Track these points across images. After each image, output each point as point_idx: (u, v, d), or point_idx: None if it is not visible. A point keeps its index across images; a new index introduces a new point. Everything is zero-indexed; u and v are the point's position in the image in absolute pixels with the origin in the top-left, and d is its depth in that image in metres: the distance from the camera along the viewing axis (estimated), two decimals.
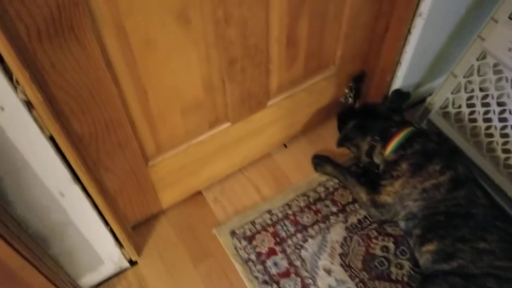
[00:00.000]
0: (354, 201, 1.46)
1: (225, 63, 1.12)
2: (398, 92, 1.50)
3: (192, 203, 1.48)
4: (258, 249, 1.37)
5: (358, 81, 1.49)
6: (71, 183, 0.98)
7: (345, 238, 1.40)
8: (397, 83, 1.47)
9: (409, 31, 1.28)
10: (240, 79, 1.19)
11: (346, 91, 1.52)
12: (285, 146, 1.59)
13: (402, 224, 1.36)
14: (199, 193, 1.50)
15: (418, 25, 1.27)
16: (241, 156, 1.48)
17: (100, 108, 0.99)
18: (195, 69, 1.09)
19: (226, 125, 1.32)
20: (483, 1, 1.36)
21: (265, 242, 1.39)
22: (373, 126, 1.41)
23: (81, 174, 0.97)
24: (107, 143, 1.09)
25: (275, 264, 1.35)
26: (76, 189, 1.00)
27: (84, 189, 1.02)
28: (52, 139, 0.88)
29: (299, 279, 1.33)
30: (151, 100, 1.08)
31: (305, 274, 1.33)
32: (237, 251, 1.37)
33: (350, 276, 1.33)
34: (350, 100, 1.53)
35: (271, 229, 1.41)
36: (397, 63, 1.38)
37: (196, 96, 1.16)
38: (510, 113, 1.35)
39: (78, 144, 1.00)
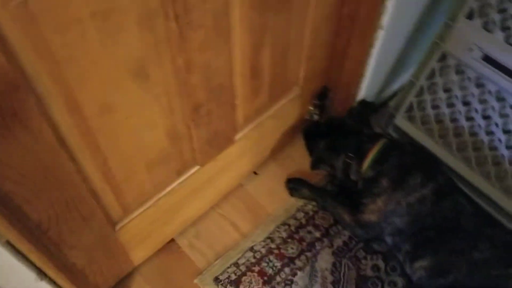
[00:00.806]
0: (336, 222, 1.40)
1: (189, 110, 1.01)
2: (363, 103, 1.45)
3: (166, 254, 1.37)
4: None
5: (322, 97, 1.43)
6: (37, 281, 0.84)
7: (334, 264, 1.34)
8: (361, 94, 1.42)
9: (371, 45, 1.22)
10: (206, 122, 1.09)
11: (311, 108, 1.45)
12: (255, 173, 1.50)
13: (388, 239, 1.32)
14: (171, 240, 1.38)
15: (380, 37, 1.22)
16: (212, 194, 1.38)
17: (57, 189, 0.86)
18: (158, 123, 0.97)
19: (194, 169, 1.21)
20: (439, 4, 1.34)
21: (252, 284, 1.30)
22: (345, 143, 1.35)
23: (48, 270, 0.83)
24: (70, 222, 0.95)
25: None
26: (44, 285, 0.86)
27: (52, 281, 0.88)
28: (8, 243, 0.74)
29: None
30: (113, 166, 0.95)
31: None
32: None
33: None
34: (316, 117, 1.47)
35: (256, 268, 1.33)
36: (361, 76, 1.33)
37: (162, 149, 1.05)
38: (476, 111, 1.35)
39: (37, 232, 0.86)
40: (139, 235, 1.22)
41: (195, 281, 1.31)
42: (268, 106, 1.29)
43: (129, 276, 1.31)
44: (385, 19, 1.16)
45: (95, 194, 0.97)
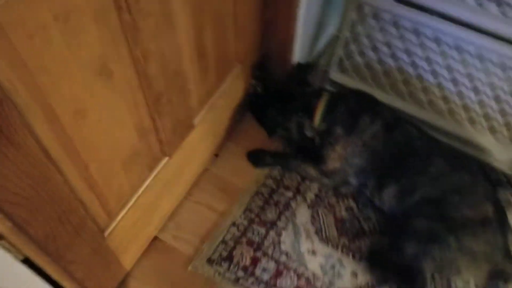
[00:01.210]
0: (304, 179, 1.50)
1: (152, 101, 1.04)
2: (299, 65, 1.55)
3: (153, 252, 1.38)
4: (241, 264, 1.34)
5: (261, 68, 1.51)
6: None
7: (312, 216, 1.43)
8: (296, 57, 1.52)
9: (297, 7, 1.32)
10: (168, 111, 1.12)
11: (253, 81, 1.52)
12: (217, 155, 1.55)
13: (354, 181, 1.44)
14: (155, 238, 1.40)
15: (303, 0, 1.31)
16: (183, 184, 1.42)
17: (49, 204, 0.86)
18: (127, 119, 1.00)
19: (164, 161, 1.24)
20: None
21: (244, 254, 1.36)
22: (293, 105, 1.44)
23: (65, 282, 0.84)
24: (64, 236, 0.95)
25: (264, 269, 1.34)
26: None
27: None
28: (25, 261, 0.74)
29: (292, 272, 1.34)
30: (94, 172, 0.97)
31: (294, 265, 1.35)
32: (223, 276, 1.33)
33: (333, 247, 1.38)
34: (259, 89, 1.54)
35: (244, 239, 1.39)
36: (293, 39, 1.42)
37: (133, 146, 1.07)
38: (398, 49, 1.49)
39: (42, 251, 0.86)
40: (126, 238, 1.23)
41: (189, 268, 1.34)
42: (217, 86, 1.34)
43: (123, 283, 1.32)
44: None
45: (82, 203, 0.97)
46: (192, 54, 1.12)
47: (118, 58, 0.87)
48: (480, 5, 1.27)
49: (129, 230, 1.22)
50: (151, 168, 1.20)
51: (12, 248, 0.70)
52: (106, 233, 1.13)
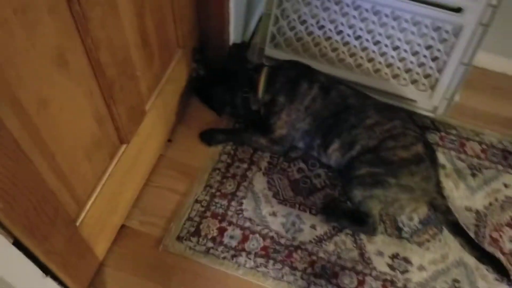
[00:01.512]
0: (255, 150, 1.60)
1: (106, 88, 1.10)
2: (235, 45, 1.65)
3: (123, 239, 1.43)
4: (209, 236, 1.43)
5: (201, 51, 1.59)
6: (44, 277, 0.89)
7: (268, 182, 1.55)
8: (232, 37, 1.61)
9: None
10: (122, 98, 1.18)
11: (194, 65, 1.60)
12: (170, 141, 1.62)
13: (301, 144, 1.57)
14: (123, 227, 1.45)
15: None
16: (142, 170, 1.47)
17: (25, 195, 0.90)
18: (85, 108, 1.05)
19: (123, 148, 1.30)
20: None
21: (211, 227, 1.45)
22: (236, 82, 1.54)
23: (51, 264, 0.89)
24: (41, 227, 0.99)
25: (232, 237, 1.43)
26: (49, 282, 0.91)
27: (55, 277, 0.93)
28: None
29: (257, 235, 1.44)
30: (60, 161, 1.01)
31: (259, 228, 1.45)
32: (194, 250, 1.41)
33: (291, 206, 1.50)
34: (201, 72, 1.62)
35: (208, 213, 1.47)
36: (227, 20, 1.51)
37: (93, 134, 1.12)
38: (324, 19, 1.63)
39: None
40: (96, 227, 1.27)
41: (160, 248, 1.41)
42: (163, 72, 1.41)
43: (99, 272, 1.36)
44: None
45: (53, 194, 1.01)
46: (137, 41, 1.18)
47: (72, 48, 0.92)
48: None
49: (98, 219, 1.27)
50: (111, 156, 1.25)
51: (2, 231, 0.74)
52: (78, 223, 1.17)
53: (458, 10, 1.48)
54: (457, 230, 1.42)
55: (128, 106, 1.23)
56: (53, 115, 0.93)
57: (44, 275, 0.88)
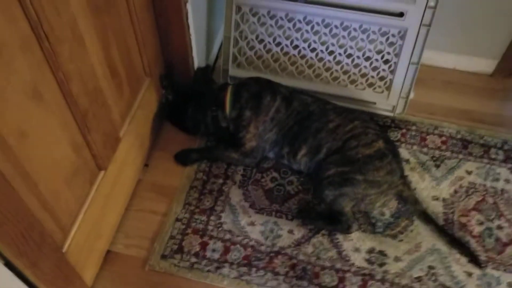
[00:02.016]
0: (229, 165, 1.68)
1: (80, 118, 1.16)
2: (200, 69, 1.74)
3: (110, 264, 1.47)
4: (192, 251, 1.49)
5: (168, 77, 1.67)
6: None
7: (243, 194, 1.62)
8: (196, 61, 1.71)
9: (186, 17, 1.51)
10: (96, 126, 1.25)
11: (163, 91, 1.68)
12: (147, 165, 1.68)
13: (271, 154, 1.65)
14: (109, 252, 1.50)
15: (189, 9, 1.51)
16: (122, 196, 1.53)
17: (13, 222, 0.95)
18: (62, 137, 1.11)
19: (101, 174, 1.35)
20: None
21: (193, 242, 1.51)
22: (205, 102, 1.63)
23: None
24: (29, 254, 1.04)
25: (214, 250, 1.49)
26: None
27: None
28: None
29: (238, 245, 1.50)
30: (43, 190, 1.07)
31: (239, 238, 1.51)
32: (179, 266, 1.46)
33: (268, 215, 1.57)
34: (170, 97, 1.70)
35: (189, 230, 1.53)
36: (190, 47, 1.61)
37: (72, 162, 1.18)
38: (279, 36, 1.74)
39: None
40: (82, 253, 1.31)
41: (147, 268, 1.45)
42: (133, 100, 1.48)
43: None
44: None
45: (39, 221, 1.07)
46: (105, 72, 1.26)
47: (45, 82, 0.99)
48: None
49: (83, 245, 1.31)
50: (91, 183, 1.31)
51: None
52: (64, 249, 1.22)
53: (400, 14, 1.61)
54: (426, 218, 1.51)
55: (102, 133, 1.30)
56: (33, 146, 1.00)
57: None
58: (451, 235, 1.49)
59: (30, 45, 0.91)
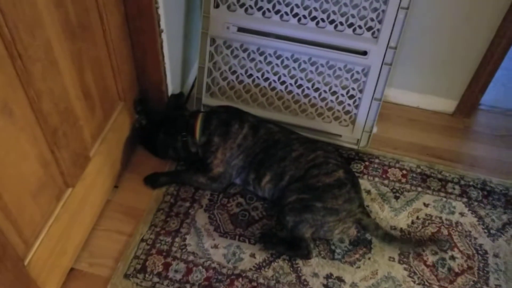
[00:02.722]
0: (197, 189, 1.74)
1: (49, 135, 1.22)
2: (173, 96, 1.82)
3: (73, 281, 1.49)
4: (155, 271, 1.52)
5: (142, 103, 1.75)
6: None
7: (209, 217, 1.67)
8: (170, 88, 1.79)
9: (161, 46, 1.60)
10: (65, 144, 1.31)
11: (136, 116, 1.75)
12: (116, 187, 1.73)
13: (237, 180, 1.72)
14: (72, 270, 1.52)
15: (164, 39, 1.60)
16: (89, 215, 1.57)
17: None
18: (30, 152, 1.17)
19: (68, 191, 1.40)
20: (194, 2, 1.80)
21: (156, 262, 1.54)
22: (175, 128, 1.70)
23: None
24: None
25: (176, 271, 1.53)
26: None
27: None
28: None
29: (200, 267, 1.54)
30: (7, 200, 1.11)
31: (201, 260, 1.56)
32: (141, 286, 1.49)
33: (231, 238, 1.62)
34: (143, 122, 1.77)
35: (154, 251, 1.57)
36: (164, 74, 1.69)
37: (39, 177, 1.23)
38: (251, 68, 1.84)
39: None
40: (45, 268, 1.34)
41: (109, 287, 1.48)
42: (105, 122, 1.55)
43: None
44: (163, 22, 1.55)
45: (1, 232, 1.11)
46: (78, 93, 1.33)
47: (16, 98, 1.06)
48: (302, 23, 1.67)
49: (46, 260, 1.34)
50: (58, 199, 1.36)
51: None
52: (26, 262, 1.25)
53: (364, 53, 1.72)
54: (390, 238, 1.57)
55: (72, 151, 1.35)
56: (0, 159, 1.05)
57: None
58: (418, 240, 1.61)
59: (2, 62, 0.98)
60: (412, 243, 1.59)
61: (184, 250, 1.57)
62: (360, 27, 1.68)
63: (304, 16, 1.69)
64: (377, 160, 1.90)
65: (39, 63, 1.10)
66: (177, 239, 1.60)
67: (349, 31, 1.69)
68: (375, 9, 1.64)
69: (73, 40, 1.25)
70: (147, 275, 1.50)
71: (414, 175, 1.86)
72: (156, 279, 1.50)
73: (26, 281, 1.25)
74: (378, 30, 1.66)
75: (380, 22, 1.64)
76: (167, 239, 1.60)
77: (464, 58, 1.90)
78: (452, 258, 1.60)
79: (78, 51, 1.28)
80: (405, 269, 1.56)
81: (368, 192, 1.78)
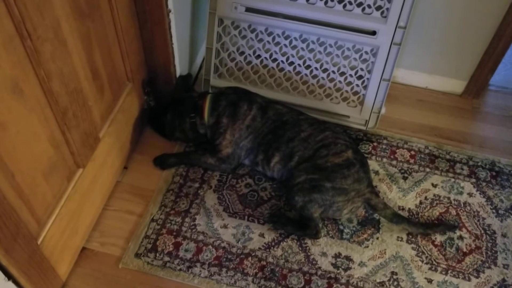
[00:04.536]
0: (205, 170, 1.75)
1: (59, 116, 1.23)
2: (181, 77, 1.82)
3: (84, 261, 1.52)
4: (166, 251, 1.54)
5: (151, 84, 1.75)
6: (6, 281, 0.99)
7: (218, 198, 1.68)
8: (178, 69, 1.79)
9: (169, 27, 1.59)
10: (75, 124, 1.31)
11: (145, 97, 1.76)
12: (126, 168, 1.74)
13: (246, 161, 1.72)
14: (83, 249, 1.54)
15: (172, 19, 1.59)
16: (100, 195, 1.58)
17: None
18: (41, 132, 1.17)
19: (79, 172, 1.41)
20: None
21: (167, 242, 1.56)
22: (184, 109, 1.70)
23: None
24: (3, 241, 1.09)
25: (186, 250, 1.55)
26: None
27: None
28: None
29: (210, 246, 1.56)
30: (20, 180, 1.12)
31: (211, 240, 1.57)
32: (152, 264, 1.51)
33: (240, 218, 1.63)
34: (152, 103, 1.78)
35: (164, 230, 1.59)
36: (172, 55, 1.69)
37: (50, 157, 1.24)
38: (259, 49, 1.83)
39: None
40: (57, 247, 1.36)
41: (120, 266, 1.50)
42: (114, 103, 1.55)
43: None
44: (170, 2, 1.54)
45: (14, 210, 1.12)
46: (87, 74, 1.33)
47: (26, 78, 1.06)
48: (311, 3, 1.65)
49: (59, 239, 1.36)
50: (69, 179, 1.37)
51: None
52: (39, 241, 1.27)
53: (373, 33, 1.70)
54: (397, 218, 1.57)
55: (82, 132, 1.36)
56: (11, 138, 1.06)
57: (6, 278, 0.97)
58: (422, 223, 1.60)
59: (12, 42, 0.98)
60: (419, 225, 1.59)
61: (194, 230, 1.59)
62: (369, 6, 1.66)
63: None
64: (385, 141, 1.89)
65: (48, 43, 1.10)
66: (187, 219, 1.61)
67: (358, 10, 1.67)
68: None
69: (82, 20, 1.24)
70: (157, 254, 1.52)
71: (422, 155, 1.86)
72: (166, 258, 1.52)
73: (39, 260, 1.27)
74: (387, 9, 1.64)
75: (389, 1, 1.62)
76: (177, 219, 1.61)
77: (473, 38, 1.88)
78: (460, 238, 1.61)
79: (86, 31, 1.28)
80: (413, 248, 1.57)
81: (376, 172, 1.78)
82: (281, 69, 1.85)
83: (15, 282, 1.11)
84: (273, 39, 1.79)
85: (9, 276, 1.03)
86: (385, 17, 1.65)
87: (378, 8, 1.65)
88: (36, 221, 1.24)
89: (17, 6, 0.95)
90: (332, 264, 1.53)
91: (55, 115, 1.21)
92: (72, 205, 1.40)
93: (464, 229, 1.63)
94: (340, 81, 1.83)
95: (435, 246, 1.59)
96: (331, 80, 1.83)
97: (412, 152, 1.86)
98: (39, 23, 1.05)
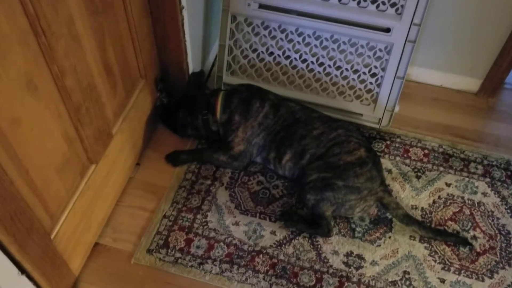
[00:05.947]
0: (217, 167, 1.75)
1: (73, 112, 1.24)
2: (194, 74, 1.82)
3: (97, 256, 1.53)
4: (177, 247, 1.54)
5: (163, 81, 1.75)
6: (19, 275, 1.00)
7: (230, 195, 1.68)
8: (191, 66, 1.79)
9: (182, 24, 1.59)
10: (88, 120, 1.32)
11: (158, 94, 1.76)
12: (138, 164, 1.75)
13: (258, 159, 1.72)
14: (96, 244, 1.56)
15: (185, 16, 1.59)
16: (112, 191, 1.59)
17: (2, 203, 1.02)
18: (54, 128, 1.18)
19: (92, 168, 1.42)
20: None
21: (178, 238, 1.57)
22: (196, 106, 1.70)
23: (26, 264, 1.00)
24: (17, 236, 1.10)
25: (198, 247, 1.55)
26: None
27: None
28: None
29: (221, 243, 1.56)
30: (34, 176, 1.13)
31: (223, 237, 1.57)
32: (163, 261, 1.52)
33: (252, 216, 1.63)
34: (165, 100, 1.78)
35: (176, 227, 1.59)
36: (185, 52, 1.69)
37: (63, 153, 1.25)
38: (272, 46, 1.82)
39: None
40: (70, 242, 1.38)
41: (132, 261, 1.51)
42: (127, 100, 1.56)
43: (75, 287, 1.45)
44: (183, 0, 1.54)
45: (28, 206, 1.13)
46: (100, 70, 1.34)
47: (40, 74, 1.07)
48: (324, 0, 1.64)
49: (72, 235, 1.38)
50: (82, 175, 1.38)
51: None
52: (52, 236, 1.28)
53: (387, 30, 1.68)
54: (408, 220, 1.56)
55: (95, 128, 1.37)
56: (25, 134, 1.07)
57: (19, 272, 0.98)
58: (434, 229, 1.57)
59: (27, 39, 0.99)
60: (430, 230, 1.56)
61: (205, 227, 1.59)
62: (383, 3, 1.64)
63: None
64: (398, 140, 1.88)
65: (62, 39, 1.11)
66: (198, 216, 1.62)
67: (373, 7, 1.65)
68: None
69: (95, 17, 1.25)
70: (169, 251, 1.53)
71: (436, 154, 1.83)
72: (178, 255, 1.52)
73: (52, 255, 1.28)
74: (402, 6, 1.62)
75: None
76: (189, 215, 1.62)
77: (489, 36, 1.85)
78: (474, 238, 1.59)
79: (100, 27, 1.28)
80: (426, 248, 1.56)
81: (389, 171, 1.77)
82: (294, 66, 1.84)
83: (29, 276, 1.13)
84: (286, 36, 1.78)
85: (23, 271, 1.04)
86: (399, 14, 1.63)
87: (393, 5, 1.64)
88: (49, 216, 1.25)
89: (31, 3, 0.96)
90: (343, 262, 1.53)
91: (69, 111, 1.22)
92: (85, 201, 1.41)
93: (478, 229, 1.61)
94: (353, 79, 1.81)
95: (448, 245, 1.57)
96: (345, 77, 1.82)
97: (426, 151, 1.84)
98: (53, 20, 1.05)
